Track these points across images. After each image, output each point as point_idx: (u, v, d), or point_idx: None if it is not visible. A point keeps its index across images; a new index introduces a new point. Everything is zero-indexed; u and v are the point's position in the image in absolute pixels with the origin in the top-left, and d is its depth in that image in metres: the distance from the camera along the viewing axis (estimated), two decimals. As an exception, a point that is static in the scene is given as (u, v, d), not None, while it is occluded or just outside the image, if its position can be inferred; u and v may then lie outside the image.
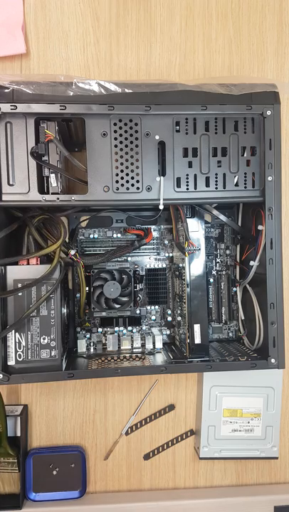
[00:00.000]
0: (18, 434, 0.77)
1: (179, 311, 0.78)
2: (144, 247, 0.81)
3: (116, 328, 0.80)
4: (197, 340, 0.71)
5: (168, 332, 0.82)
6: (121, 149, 0.65)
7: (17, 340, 0.66)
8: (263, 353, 0.71)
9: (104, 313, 0.80)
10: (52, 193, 0.66)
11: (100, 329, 0.80)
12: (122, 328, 0.80)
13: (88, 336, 0.80)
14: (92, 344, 0.79)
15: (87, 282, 0.77)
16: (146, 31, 0.81)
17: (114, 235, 0.80)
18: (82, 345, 0.78)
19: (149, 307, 0.81)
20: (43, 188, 0.66)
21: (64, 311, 0.72)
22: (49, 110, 0.63)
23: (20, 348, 0.66)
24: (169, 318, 0.82)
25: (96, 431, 0.83)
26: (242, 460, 0.85)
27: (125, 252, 0.78)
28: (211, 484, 0.86)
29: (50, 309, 0.67)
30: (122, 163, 0.66)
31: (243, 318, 0.81)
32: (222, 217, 0.76)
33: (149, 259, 0.81)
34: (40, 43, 0.79)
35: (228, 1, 0.82)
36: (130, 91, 0.64)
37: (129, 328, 0.80)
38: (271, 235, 0.68)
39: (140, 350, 0.78)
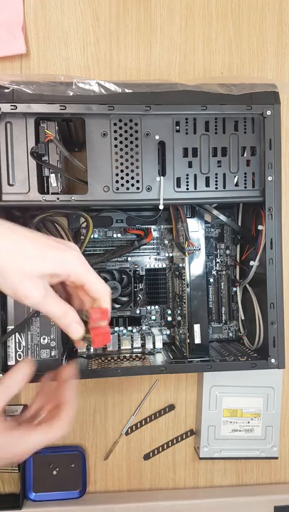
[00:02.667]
0: (18, 434, 0.77)
1: (179, 311, 0.78)
2: (144, 247, 0.81)
3: (116, 328, 0.80)
4: (197, 340, 0.71)
5: (168, 332, 0.82)
6: (121, 149, 0.65)
7: (17, 341, 0.66)
8: (263, 353, 0.71)
9: (104, 313, 0.80)
10: (52, 193, 0.66)
11: (100, 329, 0.80)
12: (122, 328, 0.80)
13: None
14: (92, 344, 0.79)
15: (87, 282, 0.77)
16: (146, 31, 0.81)
17: (114, 235, 0.80)
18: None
19: (149, 307, 0.81)
20: (43, 188, 0.66)
21: (64, 311, 0.72)
22: (49, 110, 0.63)
23: (20, 348, 0.66)
24: (169, 318, 0.82)
25: (96, 431, 0.83)
26: (242, 460, 0.85)
27: (125, 252, 0.78)
28: (211, 484, 0.86)
29: (50, 309, 0.67)
30: (122, 163, 0.66)
31: (243, 318, 0.81)
32: (222, 217, 0.76)
33: (149, 259, 0.81)
34: (40, 43, 0.79)
35: (228, 1, 0.82)
36: (130, 91, 0.64)
37: (129, 328, 0.80)
38: (271, 235, 0.68)
39: (140, 350, 0.78)
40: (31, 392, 0.81)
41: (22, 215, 0.71)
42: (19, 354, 0.66)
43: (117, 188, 0.66)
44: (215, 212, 0.75)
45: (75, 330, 0.49)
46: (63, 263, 0.47)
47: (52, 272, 0.47)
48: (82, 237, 0.80)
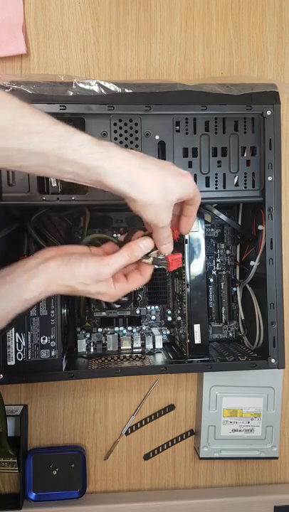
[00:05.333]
0: (18, 434, 0.77)
1: (179, 311, 0.78)
2: (144, 247, 0.81)
3: (116, 328, 0.80)
4: (197, 340, 0.71)
5: (168, 332, 0.82)
6: (121, 149, 0.65)
7: (17, 340, 0.66)
8: (263, 353, 0.71)
9: (104, 313, 0.80)
10: (52, 193, 0.66)
11: (100, 329, 0.80)
12: (122, 328, 0.80)
13: (88, 335, 0.80)
14: (92, 344, 0.79)
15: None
16: (146, 31, 0.81)
17: (114, 235, 0.80)
18: (82, 345, 0.78)
19: (149, 307, 0.81)
20: (42, 187, 0.66)
21: (64, 311, 0.72)
22: (49, 110, 0.63)
23: (20, 348, 0.66)
24: (169, 318, 0.82)
25: (96, 431, 0.83)
26: (242, 460, 0.85)
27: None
28: (211, 484, 0.86)
29: (50, 309, 0.67)
30: (122, 163, 0.65)
31: (243, 318, 0.81)
32: (222, 217, 0.76)
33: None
34: (40, 43, 0.79)
35: (228, 1, 0.82)
36: (130, 91, 0.64)
37: (129, 328, 0.80)
38: (271, 235, 0.68)
39: (140, 350, 0.78)
40: (32, 392, 0.81)
41: (21, 215, 0.71)
42: (19, 354, 0.66)
43: (117, 188, 0.65)
44: (215, 211, 0.75)
45: (169, 248, 0.56)
46: (188, 191, 0.53)
47: (181, 200, 0.53)
48: (80, 237, 0.80)
